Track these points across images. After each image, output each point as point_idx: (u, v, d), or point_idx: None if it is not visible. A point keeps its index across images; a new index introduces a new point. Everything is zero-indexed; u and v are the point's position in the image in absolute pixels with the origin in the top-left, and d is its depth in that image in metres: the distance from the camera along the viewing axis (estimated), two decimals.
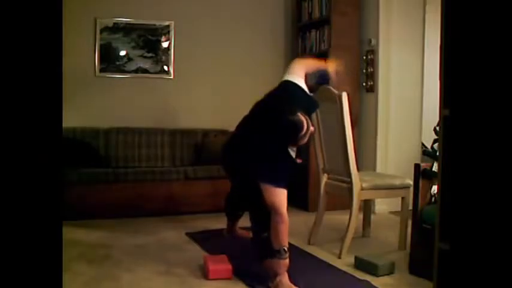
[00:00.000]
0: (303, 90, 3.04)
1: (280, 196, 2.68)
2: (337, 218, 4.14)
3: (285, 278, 2.68)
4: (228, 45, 5.40)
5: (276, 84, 3.12)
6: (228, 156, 3.08)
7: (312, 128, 2.78)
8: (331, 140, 3.47)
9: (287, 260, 2.69)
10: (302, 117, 2.71)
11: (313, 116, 3.56)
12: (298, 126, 2.70)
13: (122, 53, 5.07)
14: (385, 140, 4.79)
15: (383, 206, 4.78)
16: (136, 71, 5.12)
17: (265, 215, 2.72)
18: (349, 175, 3.26)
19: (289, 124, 2.71)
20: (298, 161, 2.91)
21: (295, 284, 2.67)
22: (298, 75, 3.09)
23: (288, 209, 2.72)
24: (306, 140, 2.79)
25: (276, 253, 2.66)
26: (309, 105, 3.08)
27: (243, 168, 2.93)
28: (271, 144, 2.77)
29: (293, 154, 2.89)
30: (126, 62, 5.09)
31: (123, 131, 4.87)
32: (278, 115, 2.75)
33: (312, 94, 3.19)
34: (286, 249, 2.67)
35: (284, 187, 2.72)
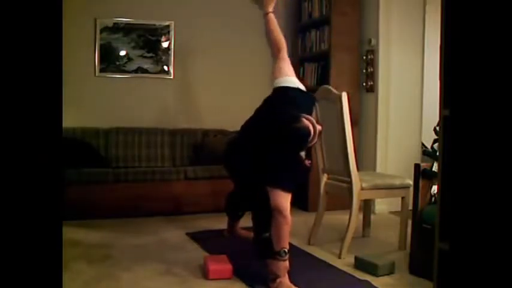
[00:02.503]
0: (298, 89, 3.01)
1: (285, 199, 2.68)
2: (337, 218, 4.14)
3: (285, 279, 2.68)
4: (228, 45, 5.40)
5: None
6: (231, 157, 3.08)
7: (319, 127, 2.76)
8: (331, 140, 3.46)
9: (287, 262, 2.68)
10: (307, 122, 2.68)
11: (313, 115, 3.55)
12: (306, 133, 2.67)
13: (122, 53, 5.07)
14: (385, 140, 4.79)
15: (383, 206, 4.78)
16: (136, 71, 5.13)
17: (267, 215, 2.71)
18: (349, 175, 3.26)
19: (296, 133, 2.67)
20: (308, 162, 2.87)
21: (295, 284, 2.67)
22: (286, 74, 3.06)
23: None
24: (315, 140, 2.77)
25: (276, 254, 2.66)
26: (308, 103, 3.05)
27: (245, 170, 2.93)
28: (280, 150, 2.74)
29: (303, 155, 2.87)
30: (126, 62, 5.09)
31: (123, 131, 4.87)
32: (283, 126, 2.69)
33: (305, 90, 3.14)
34: (286, 250, 2.67)
35: (290, 190, 2.71)
